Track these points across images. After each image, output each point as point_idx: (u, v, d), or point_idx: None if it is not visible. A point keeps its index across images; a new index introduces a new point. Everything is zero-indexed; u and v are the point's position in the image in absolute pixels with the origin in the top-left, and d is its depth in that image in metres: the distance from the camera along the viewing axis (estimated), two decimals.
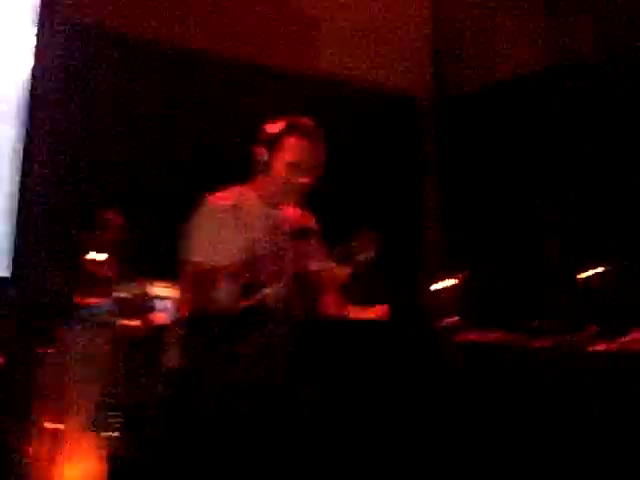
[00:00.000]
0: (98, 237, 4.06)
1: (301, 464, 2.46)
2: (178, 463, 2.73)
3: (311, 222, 3.56)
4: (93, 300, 3.10)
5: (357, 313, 3.35)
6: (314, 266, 3.44)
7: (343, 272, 3.47)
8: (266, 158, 3.35)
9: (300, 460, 2.46)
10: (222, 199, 3.36)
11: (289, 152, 3.36)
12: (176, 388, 2.77)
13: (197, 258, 3.24)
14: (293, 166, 3.36)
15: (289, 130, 3.37)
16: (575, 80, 4.81)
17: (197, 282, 3.20)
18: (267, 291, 3.32)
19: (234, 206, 3.35)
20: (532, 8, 5.13)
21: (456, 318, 3.19)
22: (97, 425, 2.72)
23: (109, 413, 2.71)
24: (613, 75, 4.63)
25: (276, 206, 3.43)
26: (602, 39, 4.72)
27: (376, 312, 3.30)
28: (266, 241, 3.37)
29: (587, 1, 4.85)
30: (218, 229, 3.27)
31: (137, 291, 2.90)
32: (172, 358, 2.84)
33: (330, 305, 3.46)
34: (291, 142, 3.37)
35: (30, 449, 2.76)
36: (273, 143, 3.36)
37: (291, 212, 3.49)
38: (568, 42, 4.92)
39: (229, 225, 3.29)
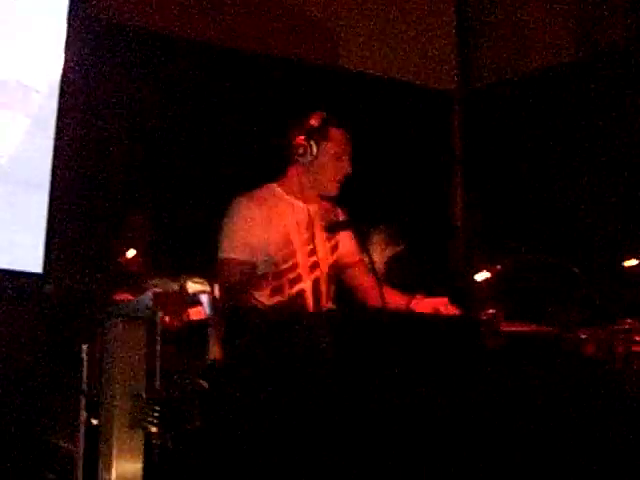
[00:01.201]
0: (126, 235, 4.08)
1: (343, 458, 2.44)
2: (218, 459, 2.72)
3: (341, 215, 3.57)
4: (130, 296, 3.10)
5: (419, 303, 3.35)
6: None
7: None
8: (312, 149, 3.36)
9: (342, 455, 2.44)
10: (252, 198, 3.38)
11: (337, 142, 3.40)
12: (217, 383, 2.76)
13: (232, 255, 3.27)
14: (340, 155, 3.39)
15: (331, 120, 3.40)
16: (607, 70, 4.77)
17: (234, 279, 3.22)
18: (303, 286, 3.35)
19: (264, 204, 3.37)
20: None
21: (493, 309, 3.17)
22: (137, 421, 2.70)
23: (149, 409, 2.70)
24: None
25: (311, 200, 3.44)
26: (635, 27, 4.66)
27: (438, 304, 3.31)
28: (300, 236, 3.39)
29: None
30: (250, 227, 3.30)
31: (174, 286, 2.89)
32: (212, 353, 2.83)
33: (371, 294, 3.45)
34: (337, 133, 3.41)
35: (73, 446, 2.76)
36: (318, 134, 3.37)
37: (325, 206, 3.50)
38: (600, 32, 4.87)
39: (260, 222, 3.32)
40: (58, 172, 3.72)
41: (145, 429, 2.70)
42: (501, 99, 5.37)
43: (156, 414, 2.65)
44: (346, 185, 3.51)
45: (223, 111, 4.62)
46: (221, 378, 2.77)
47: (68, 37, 3.78)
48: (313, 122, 3.41)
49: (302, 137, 3.40)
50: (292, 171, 3.47)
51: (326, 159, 3.41)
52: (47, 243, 3.52)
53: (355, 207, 3.65)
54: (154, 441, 2.70)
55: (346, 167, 3.44)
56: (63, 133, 3.79)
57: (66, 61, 3.78)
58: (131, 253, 3.93)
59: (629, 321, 3.08)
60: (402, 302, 3.41)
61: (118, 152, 4.24)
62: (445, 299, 3.36)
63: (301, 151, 3.40)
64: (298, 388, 2.57)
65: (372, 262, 3.28)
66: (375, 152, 4.86)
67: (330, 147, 3.41)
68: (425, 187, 5.36)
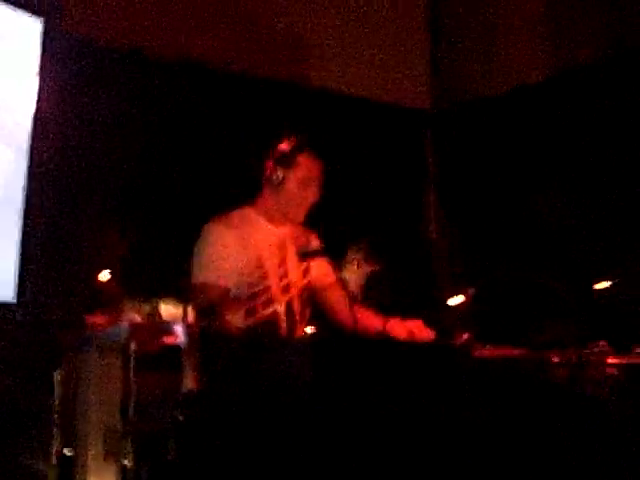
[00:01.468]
0: (101, 256, 4.05)
1: None
2: None
3: (314, 240, 3.58)
4: (105, 322, 3.08)
5: (394, 326, 3.37)
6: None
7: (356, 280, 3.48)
8: (278, 176, 3.37)
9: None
10: (223, 222, 3.38)
11: (303, 169, 3.40)
12: (192, 412, 2.75)
13: (205, 280, 3.27)
14: (307, 183, 3.39)
15: (302, 147, 3.40)
16: (576, 89, 4.81)
17: (208, 303, 3.21)
18: (276, 308, 3.35)
19: (236, 227, 3.37)
20: (532, 16, 5.12)
21: (467, 334, 3.19)
22: (111, 453, 2.68)
23: (123, 441, 2.68)
24: (614, 81, 4.62)
25: (282, 223, 3.45)
26: (605, 46, 4.71)
27: (412, 327, 3.33)
28: (272, 259, 3.39)
29: (588, 7, 4.84)
30: (223, 251, 3.29)
31: (149, 310, 2.88)
32: (188, 380, 2.82)
33: (344, 315, 3.47)
34: (306, 160, 3.40)
35: (46, 475, 2.74)
36: (286, 160, 3.38)
37: (297, 229, 3.50)
38: (569, 51, 4.91)
39: (233, 246, 3.32)
40: (32, 194, 3.69)
41: (119, 462, 2.68)
42: (473, 118, 5.40)
43: (131, 447, 2.63)
44: (319, 205, 3.52)
45: (197, 130, 4.61)
46: (196, 408, 2.75)
47: (43, 55, 3.76)
48: (282, 148, 3.42)
49: (271, 162, 3.42)
50: (264, 194, 3.48)
51: (292, 185, 3.41)
52: (20, 269, 3.49)
53: (329, 227, 3.65)
54: (128, 473, 2.68)
55: (313, 194, 3.44)
56: (37, 155, 3.75)
57: (41, 79, 3.75)
58: (105, 276, 3.91)
59: (601, 343, 3.10)
60: (377, 324, 3.43)
61: (93, 174, 4.22)
62: (419, 322, 3.38)
63: (269, 176, 3.41)
64: (273, 415, 2.57)
65: (345, 283, 3.29)
66: (348, 171, 4.86)
67: (297, 174, 3.41)
68: (399, 206, 5.37)
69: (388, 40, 5.48)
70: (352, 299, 3.40)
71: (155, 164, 4.47)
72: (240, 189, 3.63)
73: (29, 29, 3.77)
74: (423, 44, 5.69)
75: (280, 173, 3.39)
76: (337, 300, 3.54)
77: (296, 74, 5.14)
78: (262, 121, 4.54)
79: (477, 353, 2.99)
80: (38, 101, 3.67)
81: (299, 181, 3.41)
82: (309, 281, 3.52)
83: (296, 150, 3.40)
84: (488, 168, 5.21)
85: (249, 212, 3.47)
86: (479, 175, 5.24)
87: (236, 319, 3.25)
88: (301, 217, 3.46)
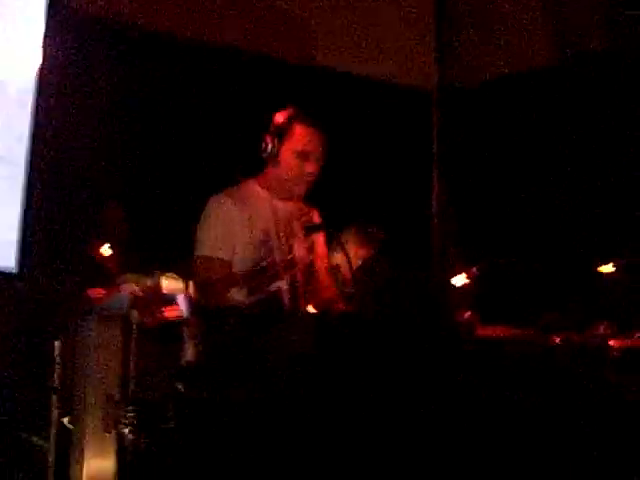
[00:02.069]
0: (101, 230, 4.04)
1: (317, 460, 2.44)
2: (191, 460, 2.70)
3: (316, 216, 3.55)
4: (105, 293, 3.07)
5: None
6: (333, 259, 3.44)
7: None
8: (274, 148, 3.33)
9: (316, 456, 2.44)
10: (230, 196, 3.35)
11: (298, 140, 3.35)
12: (192, 384, 2.74)
13: (210, 253, 3.25)
14: (303, 154, 3.35)
15: (296, 118, 3.36)
16: (583, 74, 4.79)
17: (211, 277, 3.20)
18: (280, 284, 3.33)
19: (242, 201, 3.34)
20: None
21: (470, 313, 3.18)
22: (110, 422, 2.68)
23: (122, 410, 2.68)
24: (622, 67, 4.60)
25: (285, 198, 3.41)
26: (611, 30, 4.69)
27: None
28: (277, 235, 3.37)
29: None
30: (228, 225, 3.27)
31: (150, 283, 2.87)
32: (189, 352, 2.82)
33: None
34: (299, 130, 3.36)
35: (45, 443, 2.73)
36: (281, 132, 3.34)
37: (300, 205, 3.48)
38: (577, 36, 4.88)
39: (239, 220, 3.29)
40: (34, 168, 3.67)
41: (118, 431, 2.67)
42: (479, 99, 5.38)
43: (129, 416, 2.63)
44: (322, 184, 3.49)
45: (202, 107, 4.60)
46: (196, 379, 2.75)
47: (46, 30, 3.73)
48: (277, 119, 3.38)
49: (268, 134, 3.38)
50: (267, 169, 3.44)
51: (288, 157, 3.36)
52: (21, 239, 3.47)
53: (331, 207, 3.63)
54: (127, 442, 2.67)
55: (311, 166, 3.38)
56: (39, 129, 3.73)
57: (44, 54, 3.73)
58: (105, 249, 3.90)
59: (603, 326, 3.10)
60: None
61: (95, 147, 4.20)
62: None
63: (267, 149, 3.37)
64: (273, 389, 2.56)
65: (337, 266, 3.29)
66: (351, 151, 4.85)
67: (291, 145, 3.36)
68: (402, 186, 5.36)
69: (394, 19, 5.44)
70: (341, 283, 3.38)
71: (158, 139, 4.46)
72: (245, 164, 3.61)
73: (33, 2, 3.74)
74: (429, 25, 5.64)
75: (276, 145, 3.34)
76: (323, 281, 3.51)
77: (300, 53, 5.11)
78: (266, 100, 4.52)
79: (479, 332, 2.98)
80: (41, 74, 3.65)
81: (294, 152, 3.35)
82: (313, 258, 3.49)
83: (291, 121, 3.35)
84: (492, 150, 5.20)
85: (254, 186, 3.44)
86: (483, 157, 5.23)
87: (239, 295, 3.24)
88: (301, 191, 3.41)
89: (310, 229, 3.44)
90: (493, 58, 5.34)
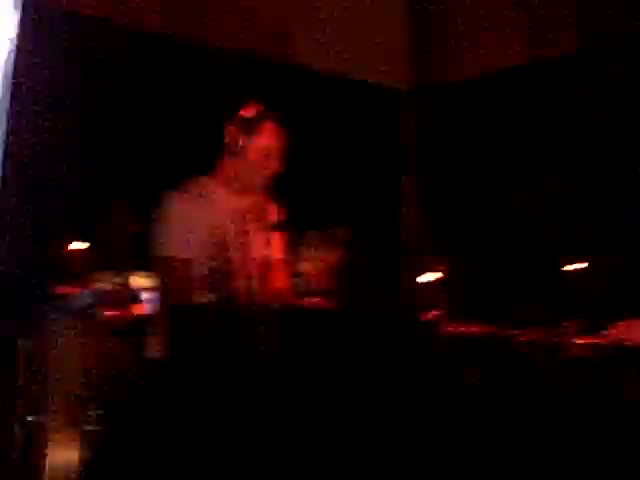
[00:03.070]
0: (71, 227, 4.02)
1: (286, 457, 2.43)
2: (160, 457, 2.69)
3: (274, 210, 3.53)
4: (72, 290, 3.05)
5: None
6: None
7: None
8: (242, 142, 3.31)
9: (285, 453, 2.44)
10: (184, 192, 3.31)
11: (266, 137, 3.34)
12: (158, 380, 2.73)
13: (169, 253, 3.21)
14: (270, 151, 3.33)
15: (266, 115, 3.34)
16: (557, 74, 4.81)
17: (171, 276, 3.17)
18: (237, 281, 3.29)
19: (197, 198, 3.30)
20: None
21: (439, 310, 3.19)
22: (74, 418, 2.67)
23: (86, 407, 2.66)
24: (595, 66, 4.63)
25: (244, 193, 3.39)
26: (586, 29, 4.71)
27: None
28: (234, 231, 3.34)
29: None
30: (186, 222, 3.23)
31: (118, 281, 2.86)
32: (154, 349, 2.80)
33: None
34: (268, 127, 3.34)
35: (11, 442, 2.71)
36: (249, 127, 3.32)
37: (258, 200, 3.45)
38: (550, 35, 4.91)
39: (196, 217, 3.25)
40: (6, 163, 3.64)
41: (83, 428, 2.66)
42: (450, 99, 5.40)
43: (95, 413, 2.62)
44: (293, 184, 3.48)
45: (166, 103, 4.58)
46: (162, 377, 2.74)
47: (21, 25, 3.70)
48: (246, 114, 3.35)
49: (233, 128, 3.35)
50: (224, 163, 3.41)
51: (253, 153, 3.35)
52: None
53: (300, 207, 3.62)
54: (91, 439, 2.66)
55: (275, 163, 3.38)
56: (14, 120, 3.70)
57: (18, 49, 3.70)
58: (75, 247, 3.88)
59: (570, 324, 3.12)
60: None
61: (63, 144, 4.18)
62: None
63: (230, 143, 3.34)
64: (238, 386, 2.56)
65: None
66: (322, 150, 4.85)
67: (260, 141, 3.34)
68: (373, 187, 5.36)
69: (366, 18, 5.44)
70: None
71: (126, 133, 4.43)
72: (200, 159, 3.57)
73: None
74: (401, 24, 5.66)
75: (242, 140, 3.32)
76: (280, 283, 3.49)
77: (270, 50, 5.10)
78: (233, 96, 4.51)
79: (447, 329, 2.99)
80: (15, 69, 3.62)
81: (261, 149, 3.34)
82: (270, 254, 3.46)
83: (260, 117, 3.33)
84: (463, 150, 5.21)
85: (208, 182, 3.39)
86: (454, 157, 5.24)
87: (198, 294, 3.20)
88: (261, 186, 3.40)
89: (270, 227, 3.42)
90: (465, 57, 5.36)
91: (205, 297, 3.20)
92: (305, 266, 3.92)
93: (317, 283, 4.02)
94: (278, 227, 3.44)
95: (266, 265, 3.40)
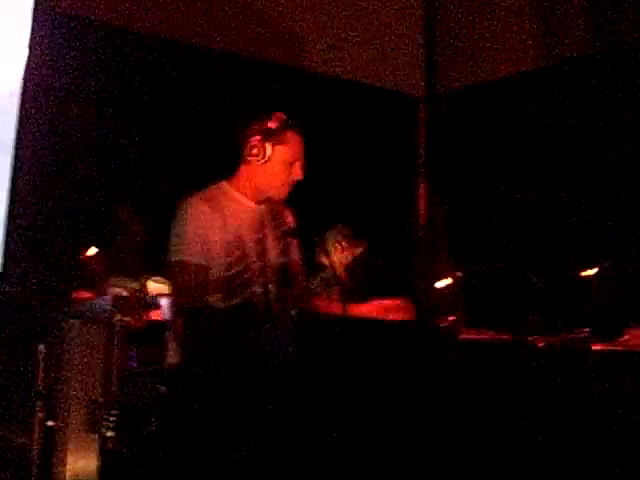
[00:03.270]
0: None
1: (302, 464, 2.44)
2: (176, 462, 2.71)
3: (290, 218, 3.54)
4: (89, 295, 3.07)
5: (360, 308, 3.34)
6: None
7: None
8: (264, 152, 3.33)
9: (301, 460, 2.44)
10: (202, 198, 3.32)
11: (291, 147, 3.36)
12: (175, 387, 2.75)
13: (185, 258, 3.21)
14: (293, 161, 3.36)
15: (291, 124, 3.37)
16: (570, 78, 4.81)
17: (188, 282, 3.18)
18: (254, 288, 3.31)
19: (214, 204, 3.32)
20: (529, 3, 5.12)
21: (454, 317, 3.20)
22: (93, 425, 2.68)
23: (105, 413, 2.68)
24: (609, 71, 4.63)
25: (260, 200, 3.40)
26: (597, 35, 4.71)
27: (371, 307, 3.31)
28: (251, 238, 3.36)
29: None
30: (202, 228, 3.24)
31: (135, 286, 2.87)
32: (171, 354, 2.82)
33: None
34: (294, 137, 3.37)
35: (30, 447, 2.73)
36: (275, 137, 3.34)
37: (275, 207, 3.47)
38: (564, 39, 4.91)
39: (212, 224, 3.26)
40: (20, 169, 3.67)
41: (101, 433, 2.67)
42: (467, 104, 5.40)
43: (112, 419, 2.63)
44: (311, 187, 3.49)
45: (181, 109, 4.60)
46: (179, 382, 2.75)
47: (33, 32, 3.73)
48: (271, 124, 3.37)
49: (258, 138, 3.36)
50: (244, 170, 3.42)
51: (279, 163, 3.37)
52: (6, 240, 3.47)
53: (317, 211, 3.64)
54: (110, 445, 2.68)
55: (298, 172, 3.40)
56: (26, 129, 3.74)
57: (30, 56, 3.73)
58: (92, 252, 3.90)
59: (585, 330, 3.11)
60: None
61: (82, 148, 4.20)
62: (398, 301, 3.34)
63: (255, 152, 3.35)
64: (256, 392, 2.57)
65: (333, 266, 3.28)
66: (339, 155, 4.86)
67: (285, 151, 3.36)
68: (389, 190, 5.37)
69: (383, 24, 5.46)
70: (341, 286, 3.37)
71: (141, 140, 4.46)
72: (217, 167, 3.59)
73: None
74: (418, 28, 5.67)
75: (268, 149, 3.34)
76: (296, 285, 3.50)
77: (286, 57, 5.11)
78: (251, 103, 4.53)
79: (462, 336, 2.99)
80: (26, 75, 3.66)
81: (287, 158, 3.37)
82: (287, 261, 3.47)
83: (286, 127, 3.36)
84: (479, 154, 5.22)
85: (227, 188, 3.41)
86: (470, 161, 5.25)
87: (215, 301, 3.22)
88: (283, 194, 3.41)
89: (287, 234, 3.44)
90: (481, 62, 5.37)
91: (222, 303, 3.21)
92: (331, 258, 3.94)
93: (343, 274, 4.04)
94: (294, 233, 3.46)
95: (284, 271, 3.41)
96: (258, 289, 3.31)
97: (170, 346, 2.81)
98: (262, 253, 3.36)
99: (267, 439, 2.50)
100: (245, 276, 3.29)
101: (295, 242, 3.48)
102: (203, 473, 2.63)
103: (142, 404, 2.70)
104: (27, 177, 3.70)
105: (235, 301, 3.23)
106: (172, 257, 3.24)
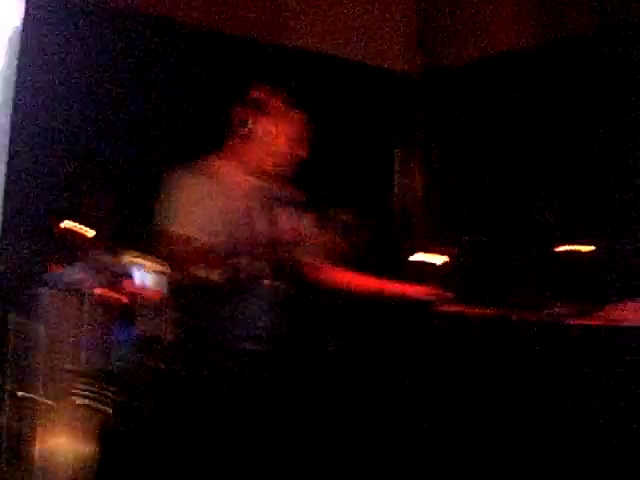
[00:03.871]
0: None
1: (286, 435, 2.43)
2: (158, 432, 2.69)
3: (294, 193, 3.50)
4: (63, 266, 3.05)
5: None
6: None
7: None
8: (250, 122, 3.28)
9: (285, 431, 2.43)
10: (192, 169, 3.28)
11: (275, 119, 3.31)
12: (146, 354, 2.73)
13: (176, 229, 3.17)
14: (279, 131, 3.31)
15: (274, 95, 3.32)
16: (568, 56, 4.76)
17: (177, 252, 3.15)
18: (242, 261, 3.27)
19: (207, 175, 3.28)
20: None
21: (440, 291, 3.17)
22: (63, 392, 2.67)
23: (78, 381, 2.67)
24: (609, 49, 4.58)
25: (260, 175, 3.36)
26: (598, 12, 4.66)
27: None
28: (243, 210, 3.32)
29: None
30: (196, 200, 3.20)
31: (108, 258, 2.85)
32: (143, 323, 2.79)
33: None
34: (279, 109, 3.31)
35: (3, 417, 2.72)
36: (257, 107, 3.30)
37: (277, 183, 3.43)
38: (563, 17, 4.86)
39: (207, 195, 3.22)
40: (13, 149, 3.65)
41: (72, 402, 2.66)
42: (461, 82, 5.36)
43: (84, 387, 2.62)
44: (301, 165, 3.45)
45: (172, 86, 4.58)
46: (149, 351, 2.74)
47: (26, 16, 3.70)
48: (255, 94, 3.33)
49: (241, 108, 3.32)
50: (234, 145, 3.38)
51: (262, 134, 3.32)
52: None
53: (310, 188, 3.60)
54: (81, 414, 2.67)
55: (283, 146, 3.34)
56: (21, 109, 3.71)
57: (23, 39, 3.70)
58: (73, 225, 3.88)
59: (564, 305, 3.11)
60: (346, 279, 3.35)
61: (66, 127, 4.19)
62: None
63: (238, 123, 3.31)
64: (244, 365, 2.55)
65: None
66: (331, 134, 4.82)
67: (268, 122, 3.32)
68: (382, 169, 5.35)
69: (376, 1, 5.42)
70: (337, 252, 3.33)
71: (130, 116, 4.44)
72: (206, 140, 3.56)
73: None
74: (409, 7, 5.63)
75: (251, 120, 3.30)
76: (306, 257, 3.48)
77: (279, 34, 5.07)
78: (240, 80, 4.49)
79: (444, 309, 2.98)
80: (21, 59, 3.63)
81: (270, 130, 3.31)
82: (294, 236, 3.42)
83: (270, 97, 3.32)
84: (471, 132, 5.19)
85: (217, 162, 3.38)
86: (462, 139, 5.22)
87: (214, 274, 3.17)
88: (269, 167, 3.36)
89: (288, 205, 3.39)
90: (477, 39, 5.32)
91: (207, 275, 3.17)
92: (342, 215, 3.88)
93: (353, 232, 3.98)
94: (297, 204, 3.40)
95: (294, 239, 3.34)
96: (264, 263, 3.26)
97: (142, 315, 2.79)
98: (268, 229, 3.31)
99: (245, 408, 2.49)
100: (250, 251, 3.24)
101: (287, 210, 3.43)
102: (172, 441, 2.62)
103: (113, 372, 2.68)
104: (12, 153, 3.68)
105: (223, 274, 3.19)
106: (162, 226, 3.19)
